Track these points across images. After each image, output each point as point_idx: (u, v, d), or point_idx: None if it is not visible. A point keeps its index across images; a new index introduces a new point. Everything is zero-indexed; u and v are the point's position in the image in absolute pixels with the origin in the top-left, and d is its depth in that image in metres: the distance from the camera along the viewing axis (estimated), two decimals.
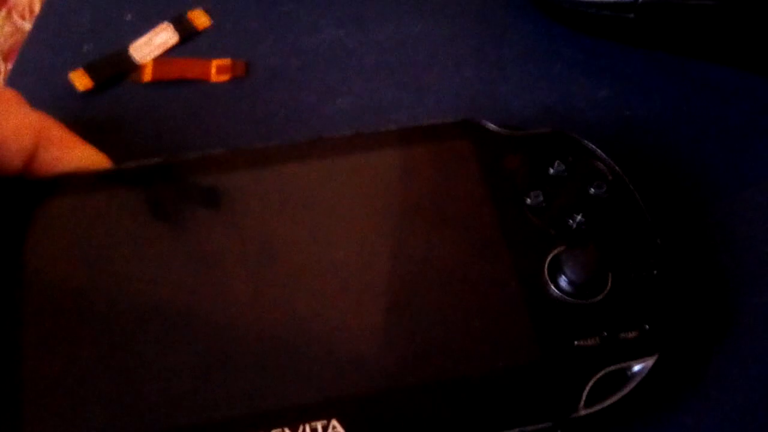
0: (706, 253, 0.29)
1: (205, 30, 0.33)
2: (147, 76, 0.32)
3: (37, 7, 0.35)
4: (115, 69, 0.32)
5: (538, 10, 0.34)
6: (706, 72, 0.33)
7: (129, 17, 0.33)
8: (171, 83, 0.32)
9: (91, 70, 0.31)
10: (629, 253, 0.26)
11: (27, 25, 0.35)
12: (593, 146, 0.28)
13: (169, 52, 0.33)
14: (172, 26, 0.33)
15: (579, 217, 0.26)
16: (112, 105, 0.31)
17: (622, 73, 0.33)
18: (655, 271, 0.25)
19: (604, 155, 0.28)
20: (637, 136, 0.32)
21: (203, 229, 0.26)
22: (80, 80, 0.31)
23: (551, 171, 0.27)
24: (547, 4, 0.34)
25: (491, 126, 0.28)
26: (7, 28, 0.35)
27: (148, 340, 0.23)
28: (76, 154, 0.26)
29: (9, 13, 0.35)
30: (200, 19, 0.33)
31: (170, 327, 0.24)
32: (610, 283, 0.25)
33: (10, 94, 0.26)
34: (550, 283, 0.25)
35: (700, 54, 0.33)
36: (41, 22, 0.34)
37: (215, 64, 0.32)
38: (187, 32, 0.33)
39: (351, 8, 0.35)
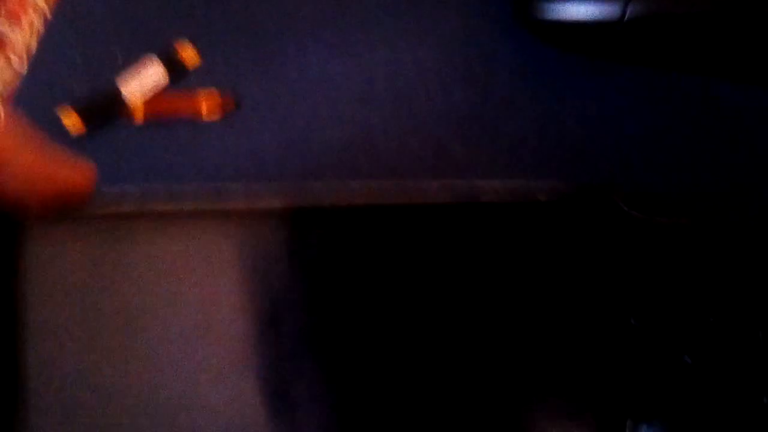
0: None
1: (195, 65, 0.33)
2: (138, 117, 0.32)
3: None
4: (105, 111, 0.32)
5: (525, 31, 0.34)
6: (696, 85, 0.33)
7: (118, 54, 0.34)
8: (162, 123, 0.32)
9: (81, 112, 0.32)
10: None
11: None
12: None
13: (160, 88, 0.33)
14: (160, 62, 0.33)
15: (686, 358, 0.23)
16: (102, 147, 0.32)
17: (609, 91, 0.33)
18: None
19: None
20: (626, 152, 0.32)
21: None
22: (72, 125, 0.32)
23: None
24: (533, 25, 0.34)
25: (624, 207, 0.25)
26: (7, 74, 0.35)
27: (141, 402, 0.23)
28: (52, 173, 0.24)
29: (8, 59, 0.36)
30: (189, 54, 0.33)
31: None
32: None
33: None
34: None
35: (688, 68, 0.33)
36: (32, 65, 0.34)
37: (205, 99, 0.32)
38: (176, 68, 0.33)
39: (338, 37, 0.35)
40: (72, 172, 0.25)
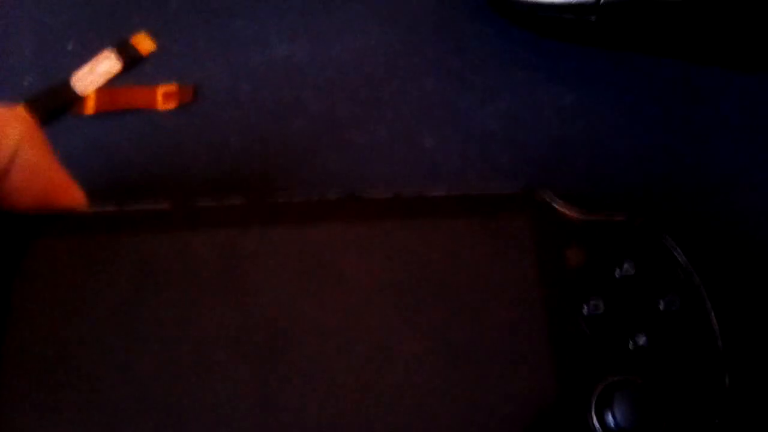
0: None
1: (151, 54, 0.32)
2: (89, 108, 0.30)
3: None
4: (56, 103, 0.30)
5: (498, 16, 0.33)
6: (674, 71, 0.32)
7: (71, 46, 0.32)
8: (116, 114, 0.30)
9: (30, 105, 0.30)
10: (691, 391, 0.22)
11: None
12: (674, 244, 0.24)
13: (114, 81, 0.31)
14: (115, 53, 0.31)
15: (642, 340, 0.23)
16: (54, 140, 0.30)
17: (587, 77, 0.32)
18: (716, 420, 0.22)
19: (684, 259, 0.24)
20: (605, 143, 0.31)
21: (207, 295, 0.23)
22: (24, 112, 0.30)
23: (618, 273, 0.24)
24: (507, 9, 0.32)
25: (558, 204, 0.25)
26: None
27: (126, 411, 0.22)
28: (53, 185, 0.24)
29: None
30: (144, 43, 0.32)
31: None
32: (663, 431, 0.22)
33: None
34: (594, 417, 0.22)
35: (667, 53, 0.32)
36: None
37: (161, 91, 0.31)
38: (131, 58, 0.31)
39: (303, 22, 0.33)
40: (70, 186, 0.24)
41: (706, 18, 0.30)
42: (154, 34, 0.32)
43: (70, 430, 0.21)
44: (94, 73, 0.31)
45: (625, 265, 0.24)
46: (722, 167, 0.30)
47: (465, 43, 0.33)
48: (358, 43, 0.33)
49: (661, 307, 0.23)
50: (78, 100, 0.30)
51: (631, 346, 0.23)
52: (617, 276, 0.24)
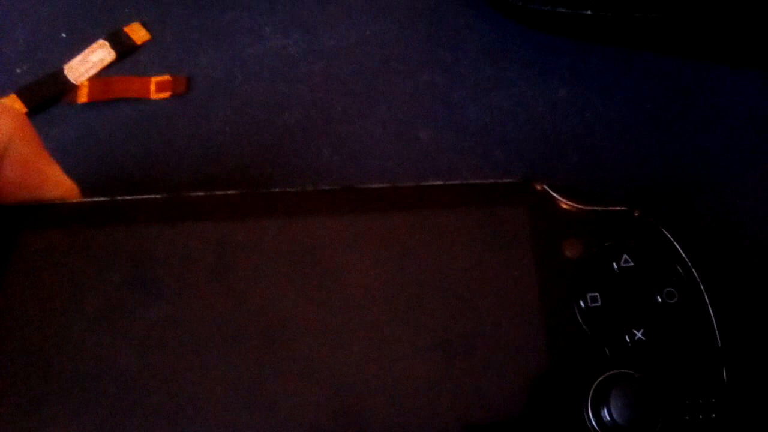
0: None
1: (144, 44, 0.32)
2: (83, 97, 0.30)
3: None
4: (49, 92, 0.30)
5: (492, 10, 0.33)
6: (668, 66, 0.32)
7: (64, 35, 0.32)
8: (109, 103, 0.30)
9: (23, 94, 0.30)
10: (688, 386, 0.22)
11: None
12: (671, 237, 0.24)
13: (107, 70, 0.31)
14: (108, 43, 0.31)
15: (639, 335, 0.23)
16: (46, 129, 0.30)
17: (580, 71, 0.32)
18: (713, 415, 0.22)
19: (681, 251, 0.24)
20: (598, 138, 0.31)
21: (198, 287, 0.23)
22: (13, 106, 0.30)
23: (616, 267, 0.23)
24: (501, 3, 0.32)
25: (554, 194, 0.24)
26: None
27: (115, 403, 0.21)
28: (44, 178, 0.24)
29: None
30: (138, 33, 0.32)
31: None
32: (659, 426, 0.21)
33: None
34: (590, 412, 0.21)
35: (661, 48, 0.32)
36: None
37: (154, 81, 0.31)
38: (124, 48, 0.31)
39: (297, 14, 0.33)
40: (62, 180, 0.24)
41: (701, 12, 0.30)
42: (148, 25, 0.32)
43: (59, 426, 0.21)
44: (88, 62, 0.31)
45: (624, 257, 0.24)
46: (716, 163, 0.30)
47: (459, 36, 0.33)
48: (352, 36, 0.33)
49: (659, 300, 0.23)
50: (71, 88, 0.30)
51: (628, 340, 0.23)
52: (615, 269, 0.24)
